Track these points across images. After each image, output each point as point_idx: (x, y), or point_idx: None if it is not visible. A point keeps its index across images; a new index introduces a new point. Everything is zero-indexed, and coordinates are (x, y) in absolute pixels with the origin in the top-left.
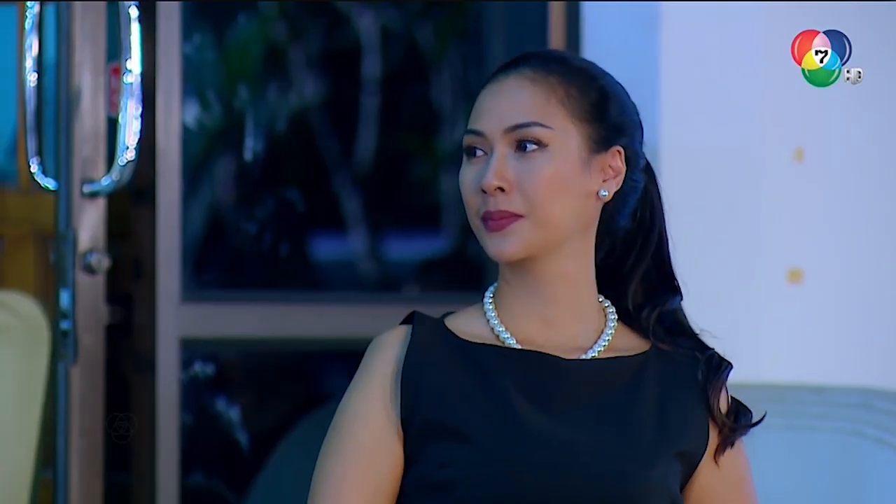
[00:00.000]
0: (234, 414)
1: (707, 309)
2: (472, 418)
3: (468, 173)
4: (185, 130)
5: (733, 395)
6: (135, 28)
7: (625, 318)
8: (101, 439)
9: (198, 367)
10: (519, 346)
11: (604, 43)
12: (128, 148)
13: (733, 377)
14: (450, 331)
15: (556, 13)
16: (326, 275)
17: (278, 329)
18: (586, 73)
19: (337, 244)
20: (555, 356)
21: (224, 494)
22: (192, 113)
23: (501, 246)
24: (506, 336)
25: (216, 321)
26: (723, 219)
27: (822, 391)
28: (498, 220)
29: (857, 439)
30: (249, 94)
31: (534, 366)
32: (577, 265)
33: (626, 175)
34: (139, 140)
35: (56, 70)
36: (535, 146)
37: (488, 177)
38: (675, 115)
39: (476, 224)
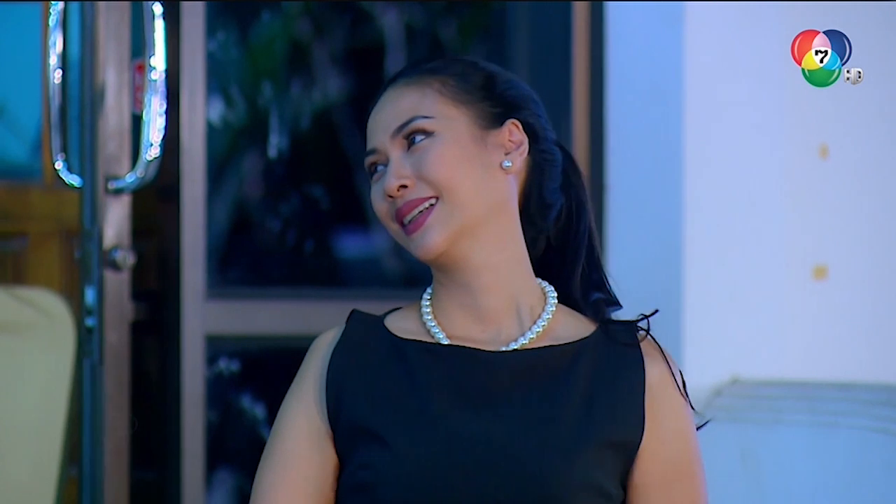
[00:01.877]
0: (259, 410)
1: (733, 305)
2: (389, 419)
3: (375, 190)
4: (210, 127)
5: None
6: (159, 25)
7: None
8: (127, 436)
9: (223, 364)
10: (447, 341)
11: (628, 42)
12: (152, 145)
13: (760, 374)
14: (385, 328)
15: (580, 12)
16: (351, 271)
17: (303, 326)
18: (463, 62)
19: (361, 241)
20: (478, 349)
21: (249, 491)
22: (217, 110)
23: (422, 241)
24: (436, 331)
25: (241, 318)
26: (747, 216)
27: (847, 388)
28: (411, 214)
29: (882, 436)
30: (273, 91)
31: (458, 360)
32: (502, 253)
33: (533, 147)
34: (163, 137)
35: (80, 67)
36: (422, 137)
37: (388, 180)
38: (699, 113)
39: (395, 230)
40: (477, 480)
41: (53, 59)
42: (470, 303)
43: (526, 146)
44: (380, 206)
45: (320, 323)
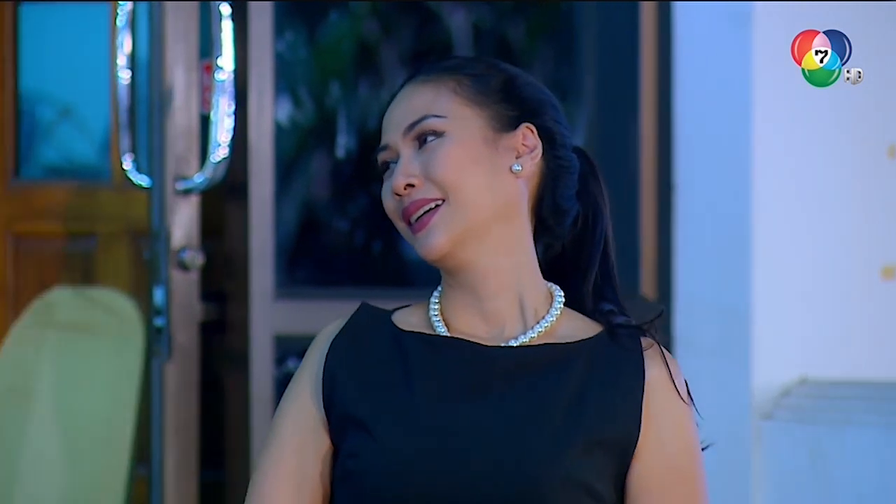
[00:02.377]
0: None
1: (801, 305)
2: (377, 409)
3: (385, 187)
4: (278, 127)
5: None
6: (226, 25)
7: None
8: (196, 436)
9: (291, 364)
10: (446, 334)
11: (695, 42)
12: (220, 145)
13: (829, 374)
14: (391, 321)
15: (647, 12)
16: (418, 272)
17: None
18: (484, 63)
19: None
20: (476, 343)
21: None
22: (285, 110)
23: (426, 241)
24: (438, 324)
25: (309, 318)
26: (816, 216)
27: None
28: (417, 213)
29: None
30: (341, 91)
31: (454, 353)
32: (509, 256)
33: (548, 152)
34: (232, 137)
35: (149, 67)
36: (433, 137)
37: (396, 178)
38: (767, 113)
39: (402, 228)
40: (458, 472)
41: (122, 60)
42: (474, 303)
43: (539, 151)
44: (388, 202)
45: None
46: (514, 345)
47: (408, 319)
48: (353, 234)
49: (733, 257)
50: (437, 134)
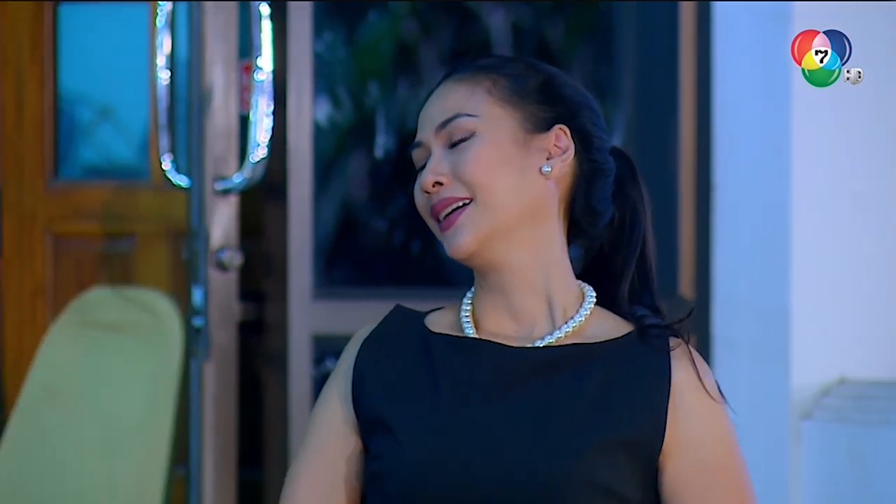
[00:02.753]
0: None
1: (840, 304)
2: (401, 411)
3: (416, 184)
4: (317, 128)
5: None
6: (266, 26)
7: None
8: (234, 436)
9: (329, 364)
10: (474, 335)
11: (734, 41)
12: (259, 145)
13: (868, 374)
14: (423, 323)
15: (686, 11)
16: (457, 271)
17: None
18: (522, 63)
19: None
20: (502, 344)
21: None
22: (324, 110)
23: (454, 240)
24: (467, 326)
25: (348, 318)
26: (855, 214)
27: None
28: (445, 211)
29: None
30: (380, 91)
31: (481, 354)
32: (538, 257)
33: (581, 154)
34: (271, 137)
35: (188, 68)
36: (464, 137)
37: (425, 176)
38: (806, 112)
39: (433, 225)
40: (477, 475)
41: (161, 60)
42: (504, 303)
43: (571, 153)
44: (418, 199)
45: None
46: (541, 345)
47: (440, 320)
48: (391, 234)
49: (772, 257)
50: (468, 133)
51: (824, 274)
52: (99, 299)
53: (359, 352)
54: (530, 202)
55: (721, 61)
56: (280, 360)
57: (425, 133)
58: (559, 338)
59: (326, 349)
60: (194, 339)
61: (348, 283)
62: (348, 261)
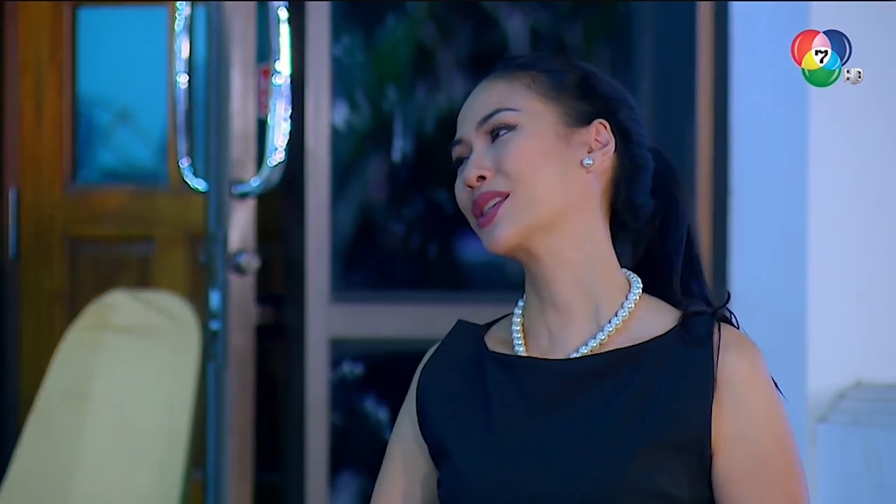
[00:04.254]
0: (382, 414)
1: (857, 308)
2: (456, 436)
3: (458, 181)
4: (334, 131)
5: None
6: (284, 29)
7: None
8: (252, 439)
9: (347, 368)
10: (521, 351)
11: (752, 43)
12: (277, 149)
13: (885, 377)
14: (482, 338)
15: (704, 13)
16: (474, 275)
17: (427, 329)
18: (561, 60)
19: None
20: (545, 359)
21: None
22: (341, 114)
23: (492, 235)
24: (517, 340)
25: (365, 321)
26: (872, 217)
27: None
28: (485, 207)
29: None
30: (398, 95)
31: (526, 373)
32: (580, 250)
33: (622, 149)
34: (288, 141)
35: (206, 71)
36: (505, 131)
37: (468, 170)
38: (823, 115)
39: (473, 222)
40: (530, 495)
41: (179, 63)
42: (548, 297)
43: (612, 147)
44: (460, 196)
45: (444, 326)
46: (584, 353)
47: (497, 334)
48: (409, 238)
49: (789, 260)
50: (510, 127)
51: (841, 277)
52: (117, 303)
53: (421, 374)
54: (571, 195)
55: (739, 63)
56: (297, 364)
57: (466, 130)
58: (602, 340)
59: (343, 352)
60: (212, 343)
61: (366, 286)
62: (366, 264)
